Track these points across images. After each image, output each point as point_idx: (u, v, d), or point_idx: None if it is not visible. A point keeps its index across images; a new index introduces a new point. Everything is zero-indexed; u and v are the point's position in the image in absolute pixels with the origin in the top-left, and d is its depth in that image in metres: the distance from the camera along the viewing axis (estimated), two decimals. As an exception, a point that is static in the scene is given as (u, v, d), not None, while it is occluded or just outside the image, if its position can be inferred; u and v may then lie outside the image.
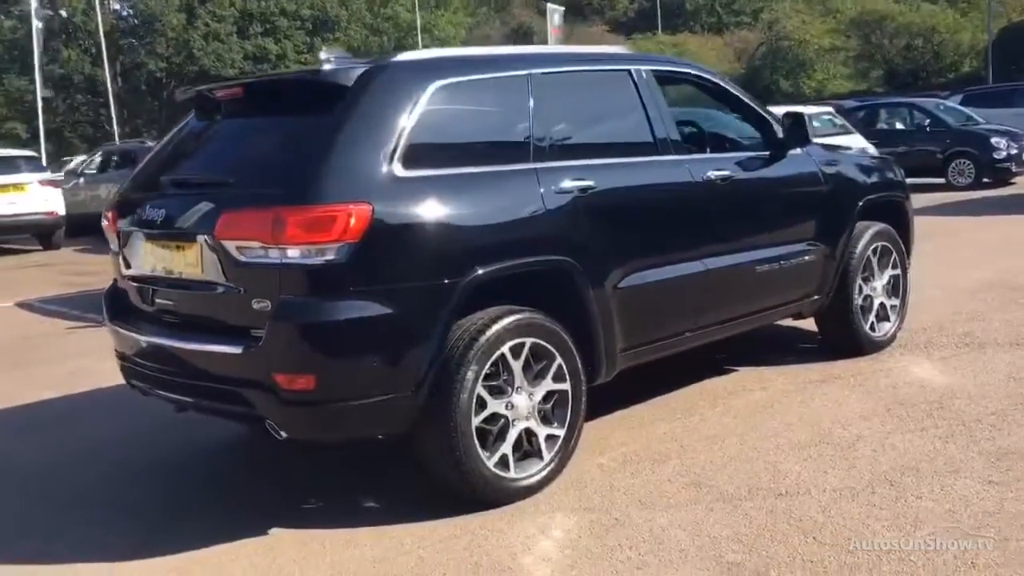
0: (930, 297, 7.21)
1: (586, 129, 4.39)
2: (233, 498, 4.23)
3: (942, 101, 19.59)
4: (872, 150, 13.39)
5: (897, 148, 16.56)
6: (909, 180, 16.00)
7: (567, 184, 4.03)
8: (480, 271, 3.66)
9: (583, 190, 4.07)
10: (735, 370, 5.59)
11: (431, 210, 3.59)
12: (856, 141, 13.37)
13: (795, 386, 5.21)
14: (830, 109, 15.05)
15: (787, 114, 5.14)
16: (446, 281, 3.57)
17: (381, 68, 3.77)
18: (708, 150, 5.23)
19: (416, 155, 3.61)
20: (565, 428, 4.00)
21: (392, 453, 4.30)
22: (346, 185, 3.42)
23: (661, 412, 4.90)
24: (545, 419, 3.97)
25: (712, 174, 4.67)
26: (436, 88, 3.75)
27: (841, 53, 43.36)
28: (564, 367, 3.98)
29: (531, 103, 4.05)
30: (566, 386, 4.00)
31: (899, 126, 17.79)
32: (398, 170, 3.55)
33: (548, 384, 3.95)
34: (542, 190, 3.93)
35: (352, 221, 3.36)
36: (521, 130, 4.01)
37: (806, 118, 5.03)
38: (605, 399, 4.80)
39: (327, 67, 3.78)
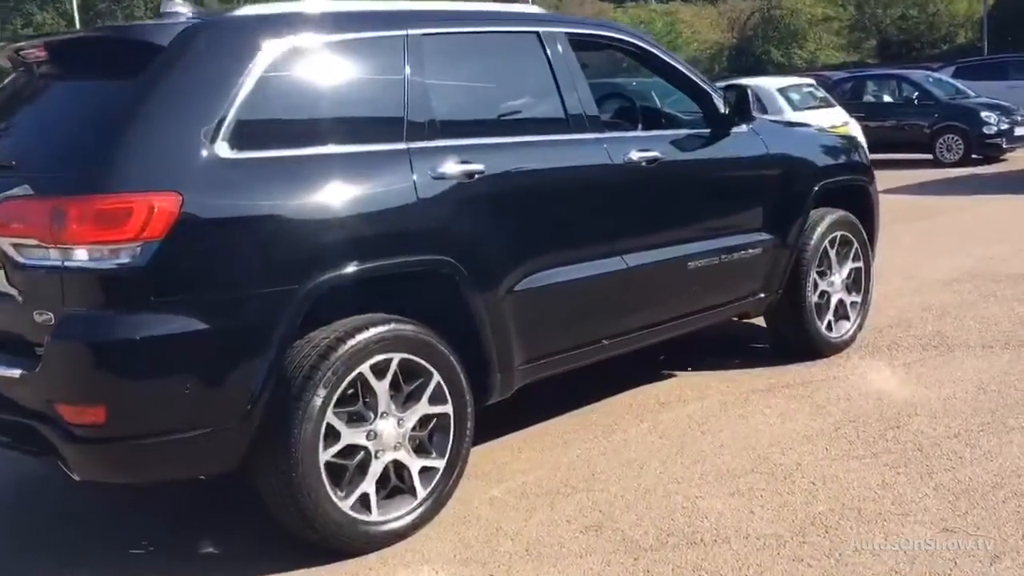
0: (899, 288, 6.58)
1: (479, 103, 3.73)
2: (33, 544, 3.58)
3: (932, 73, 18.86)
4: (855, 125, 12.74)
5: (884, 122, 15.92)
6: (895, 156, 15.58)
7: (449, 168, 3.37)
8: (328, 275, 3.02)
9: (469, 175, 3.42)
10: (673, 375, 4.96)
11: (264, 200, 2.94)
12: (837, 115, 12.69)
13: (736, 396, 4.59)
14: (811, 81, 14.34)
15: (729, 87, 4.48)
16: (281, 289, 2.92)
17: (208, 24, 3.09)
18: (640, 127, 4.55)
19: (249, 133, 2.96)
20: (446, 459, 3.37)
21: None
22: (148, 169, 2.77)
23: (578, 429, 4.27)
24: (420, 449, 3.34)
25: (636, 155, 4.01)
26: (278, 50, 3.08)
27: (834, 23, 42.46)
28: (444, 386, 3.34)
29: (407, 70, 3.38)
30: (447, 408, 3.37)
31: (886, 99, 17.09)
32: (222, 151, 2.89)
33: (424, 407, 3.32)
34: (416, 176, 3.27)
35: (154, 214, 2.71)
36: (392, 103, 3.34)
37: (749, 92, 4.38)
38: (515, 412, 4.17)
39: (154, 21, 3.12)
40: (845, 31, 43.18)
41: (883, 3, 41.45)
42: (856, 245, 5.17)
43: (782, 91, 12.58)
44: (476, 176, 3.43)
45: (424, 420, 3.35)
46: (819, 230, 4.92)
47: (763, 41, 41.56)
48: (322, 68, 3.22)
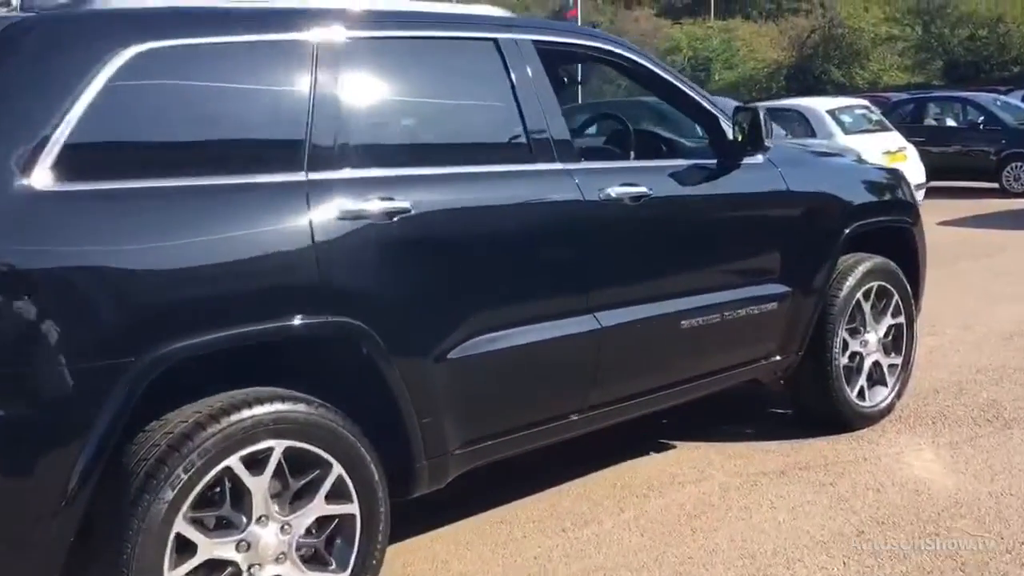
0: (952, 342, 5.73)
1: (411, 124, 3.04)
2: None
3: (1000, 97, 17.73)
4: (913, 151, 11.80)
5: (947, 147, 14.89)
6: (959, 184, 14.50)
7: (363, 205, 2.68)
8: (180, 344, 2.34)
9: (390, 215, 2.72)
10: (671, 447, 4.20)
11: (92, 246, 2.28)
12: (893, 140, 11.73)
13: (742, 480, 3.81)
14: (865, 102, 13.37)
15: (740, 108, 3.71)
16: (108, 362, 2.25)
17: (41, 21, 2.44)
18: (632, 157, 3.81)
19: (82, 159, 2.30)
20: (349, 571, 2.67)
21: None
22: None
23: (545, 517, 3.54)
24: (314, 559, 2.65)
25: (617, 191, 3.28)
26: (130, 56, 2.41)
27: (899, 43, 40.98)
28: (348, 480, 2.64)
29: (315, 82, 2.70)
30: (350, 508, 2.67)
31: (950, 123, 16.02)
32: (41, 181, 2.23)
33: (319, 507, 2.62)
34: (313, 215, 2.58)
35: None
36: (290, 123, 2.66)
37: (762, 114, 3.61)
38: (473, 490, 3.48)
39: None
40: (911, 52, 41.72)
41: (951, 23, 39.92)
42: (896, 297, 4.36)
43: (832, 113, 11.67)
44: (399, 216, 2.74)
45: (321, 523, 2.65)
46: (850, 280, 4.13)
47: (823, 60, 40.25)
48: (192, 78, 2.54)
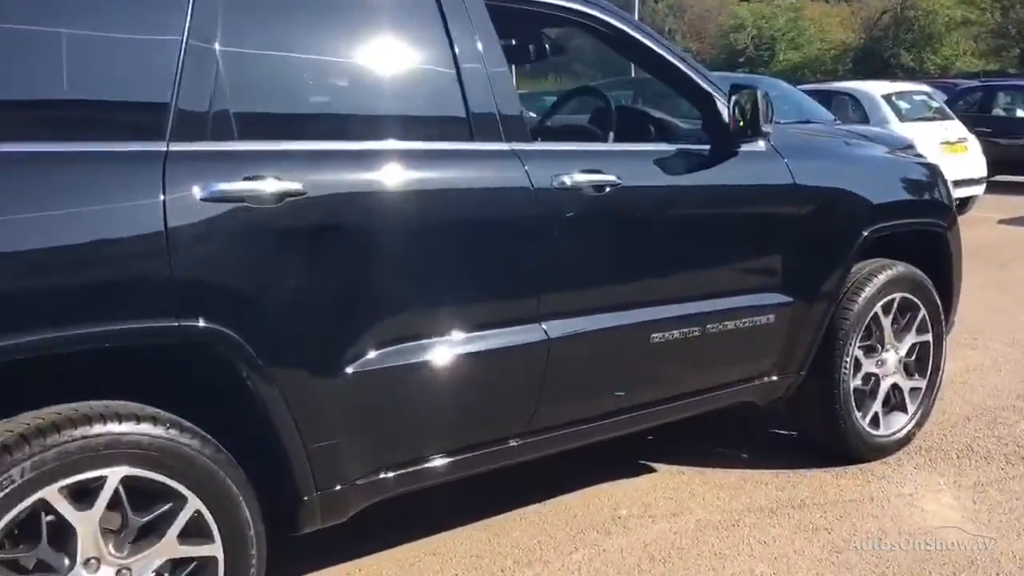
0: (995, 360, 5.10)
1: (316, 87, 2.54)
2: None
3: (1077, 87, 16.63)
4: (975, 142, 10.98)
5: (1017, 139, 13.93)
6: (1025, 179, 13.60)
7: (238, 185, 2.21)
8: None
9: (278, 197, 2.24)
10: (652, 470, 3.69)
11: None
12: (952, 130, 10.88)
13: (723, 517, 3.30)
14: (926, 88, 12.52)
15: (737, 87, 3.14)
16: None
17: None
18: (611, 139, 3.27)
19: None
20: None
21: None
22: None
23: (485, 551, 3.07)
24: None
25: (575, 178, 2.75)
26: None
27: (974, 27, 39.29)
28: (208, 517, 2.19)
29: (187, 29, 2.22)
30: (212, 550, 2.22)
31: (1020, 113, 15.04)
32: None
33: (171, 548, 2.18)
34: (169, 194, 2.11)
35: None
36: (153, 79, 2.19)
37: (759, 96, 3.04)
38: (406, 508, 3.02)
39: None
40: (986, 37, 39.99)
41: (1031, 8, 38.17)
42: (923, 312, 3.78)
43: (888, 98, 10.88)
44: (289, 200, 2.26)
45: (176, 566, 2.20)
46: (867, 291, 3.56)
47: (893, 43, 38.78)
48: (30, 20, 2.08)
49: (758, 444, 3.97)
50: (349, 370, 2.39)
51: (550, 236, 2.71)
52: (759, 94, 3.08)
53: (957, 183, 9.54)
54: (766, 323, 3.29)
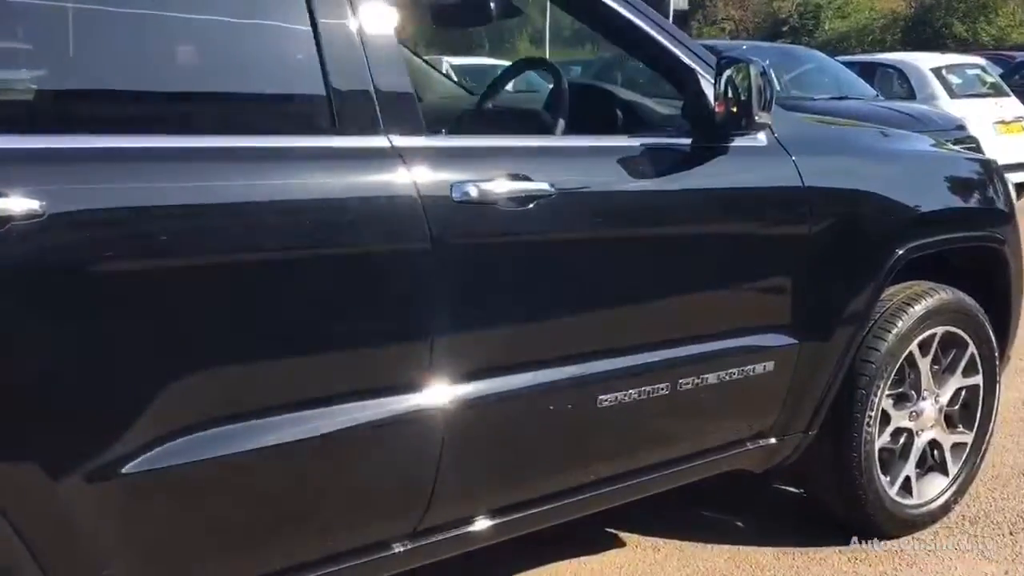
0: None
1: (82, 59, 1.77)
2: None
3: None
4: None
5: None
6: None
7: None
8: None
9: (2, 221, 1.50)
10: (621, 542, 2.93)
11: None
12: (1010, 108, 9.80)
13: (702, 620, 2.53)
14: (980, 61, 11.45)
15: (724, 60, 2.32)
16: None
17: None
18: (558, 131, 2.46)
19: None
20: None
21: None
22: None
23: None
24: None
25: (485, 187, 1.98)
26: None
27: (1034, -4, 37.42)
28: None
29: None
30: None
31: (1087, 89, 13.87)
32: None
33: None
34: None
35: None
36: None
37: (755, 72, 2.23)
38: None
39: None
40: (1047, 7, 38.13)
41: (1097, -25, 36.24)
42: (972, 348, 2.96)
43: (938, 72, 9.85)
44: (18, 224, 1.51)
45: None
46: (901, 325, 2.75)
47: (945, 12, 37.08)
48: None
49: (757, 507, 3.19)
50: (128, 470, 1.65)
51: (446, 268, 1.94)
52: (755, 70, 2.27)
53: (1011, 167, 8.56)
54: (763, 372, 2.50)
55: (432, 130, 2.11)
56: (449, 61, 11.99)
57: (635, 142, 2.33)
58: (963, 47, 30.17)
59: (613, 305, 2.23)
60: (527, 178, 2.05)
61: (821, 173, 2.55)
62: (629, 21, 2.33)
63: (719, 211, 2.43)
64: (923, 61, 10.39)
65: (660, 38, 2.36)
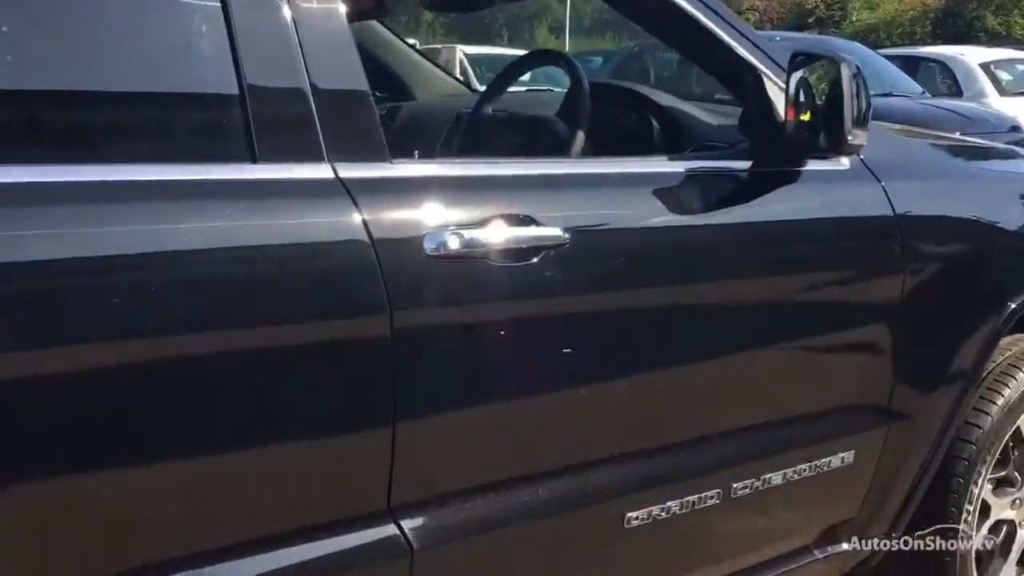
0: None
1: None
2: None
3: None
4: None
5: None
6: None
7: None
8: None
9: None
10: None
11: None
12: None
13: None
14: (1030, 56, 10.81)
15: (799, 58, 1.72)
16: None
17: None
18: (572, 150, 1.87)
19: None
20: None
21: None
22: None
23: None
24: None
25: (471, 238, 1.41)
26: None
27: (1070, -12, 36.39)
28: None
29: None
30: None
31: None
32: None
33: None
34: None
35: None
36: None
37: (848, 74, 1.63)
38: None
39: None
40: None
41: None
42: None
43: (987, 67, 9.18)
44: None
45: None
46: (1009, 393, 2.17)
47: (978, 4, 36.11)
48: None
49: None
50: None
51: (414, 353, 1.37)
52: (846, 70, 1.67)
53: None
54: (842, 465, 1.92)
55: (403, 152, 1.53)
56: (463, 50, 11.41)
57: (676, 167, 1.75)
58: (996, 41, 29.26)
59: (646, 392, 1.65)
60: (532, 221, 1.47)
61: (919, 206, 1.96)
62: (668, 1, 1.73)
63: (787, 262, 1.83)
64: (970, 56, 9.73)
65: (710, 24, 1.76)
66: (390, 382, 1.35)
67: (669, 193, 1.66)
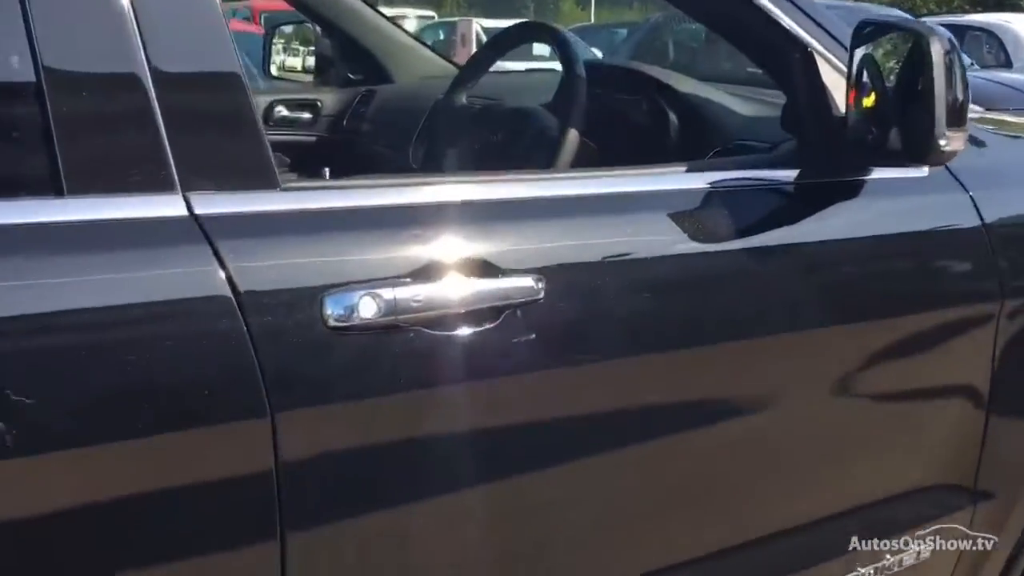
0: None
1: None
2: None
3: None
4: None
5: None
6: None
7: None
8: None
9: None
10: None
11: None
12: None
13: None
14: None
15: (868, 29, 1.26)
16: None
17: None
18: (558, 158, 1.43)
19: None
20: None
21: None
22: None
23: None
24: None
25: (396, 298, 0.96)
26: None
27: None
28: None
29: None
30: None
31: None
32: None
33: None
34: None
35: None
36: None
37: (947, 51, 1.18)
38: None
39: None
40: None
41: None
42: None
43: (1040, 36, 8.61)
44: None
45: None
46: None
47: (1018, -30, 34.99)
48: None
49: None
50: None
51: (302, 475, 0.93)
52: (938, 45, 1.20)
53: None
54: (916, 563, 1.47)
55: (309, 173, 1.09)
56: (480, 24, 10.90)
57: (698, 181, 1.28)
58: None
59: (652, 496, 1.21)
60: (491, 269, 1.02)
61: (1018, 224, 1.49)
62: None
63: (844, 307, 1.36)
64: (1017, 24, 9.09)
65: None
66: (273, 515, 0.92)
67: (688, 220, 1.21)
